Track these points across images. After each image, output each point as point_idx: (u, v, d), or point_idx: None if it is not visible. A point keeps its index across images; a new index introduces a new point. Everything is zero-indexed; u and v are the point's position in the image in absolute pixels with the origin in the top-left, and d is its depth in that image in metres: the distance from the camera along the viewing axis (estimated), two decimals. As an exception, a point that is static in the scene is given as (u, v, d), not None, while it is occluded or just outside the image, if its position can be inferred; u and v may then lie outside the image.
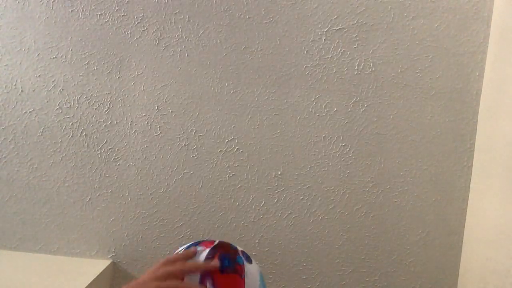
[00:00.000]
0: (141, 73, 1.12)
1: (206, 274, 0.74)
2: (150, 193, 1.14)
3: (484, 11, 1.10)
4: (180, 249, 0.82)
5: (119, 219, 1.14)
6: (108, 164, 1.14)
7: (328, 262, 1.14)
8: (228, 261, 0.76)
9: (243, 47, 1.12)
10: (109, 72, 1.13)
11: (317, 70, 1.12)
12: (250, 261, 0.79)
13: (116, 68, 1.12)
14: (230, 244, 0.82)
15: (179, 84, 1.13)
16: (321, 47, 1.11)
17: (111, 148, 1.14)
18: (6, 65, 1.12)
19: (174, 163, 1.13)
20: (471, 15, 1.10)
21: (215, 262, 0.75)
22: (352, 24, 1.11)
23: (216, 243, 0.81)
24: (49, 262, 1.10)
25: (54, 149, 1.14)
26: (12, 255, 1.13)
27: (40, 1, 1.12)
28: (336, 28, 1.11)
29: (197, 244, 0.81)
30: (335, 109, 1.12)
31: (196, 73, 1.12)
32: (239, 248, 0.82)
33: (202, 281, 0.74)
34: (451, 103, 1.11)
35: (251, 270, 0.78)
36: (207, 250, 0.77)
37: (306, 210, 1.14)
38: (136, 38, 1.12)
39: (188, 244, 0.82)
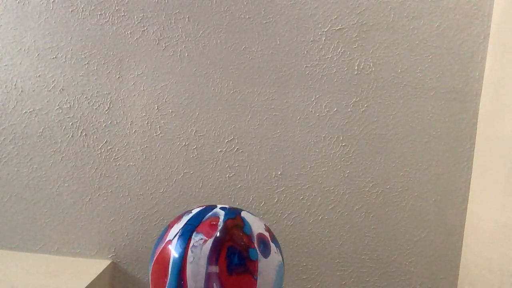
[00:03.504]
0: (141, 73, 1.13)
1: (211, 277, 0.60)
2: (150, 193, 1.14)
3: (484, 11, 1.10)
4: (174, 233, 0.66)
5: (119, 219, 1.14)
6: (108, 164, 1.14)
7: (328, 262, 1.14)
8: (238, 258, 0.61)
9: (243, 47, 1.12)
10: (109, 72, 1.13)
11: (317, 70, 1.12)
12: (267, 254, 0.63)
13: (116, 68, 1.12)
14: (242, 227, 0.63)
15: (179, 84, 1.13)
16: (321, 47, 1.11)
17: (111, 148, 1.14)
18: (6, 65, 1.12)
19: (174, 163, 1.13)
20: (471, 15, 1.10)
21: (221, 262, 0.59)
22: (352, 24, 1.11)
23: (221, 226, 0.62)
24: (49, 262, 1.10)
25: (54, 149, 1.14)
26: (12, 255, 1.13)
27: (40, 1, 1.12)
28: (336, 28, 1.11)
29: (193, 228, 0.63)
30: (335, 109, 1.12)
31: (196, 73, 1.12)
32: (256, 231, 0.63)
33: (207, 286, 0.60)
34: (451, 103, 1.11)
35: (267, 267, 0.63)
36: (210, 242, 0.61)
37: (306, 210, 1.14)
38: (136, 38, 1.12)
39: (182, 228, 0.65)
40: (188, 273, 0.62)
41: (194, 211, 0.71)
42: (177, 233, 0.66)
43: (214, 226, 0.62)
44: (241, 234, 0.62)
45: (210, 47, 1.12)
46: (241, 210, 0.73)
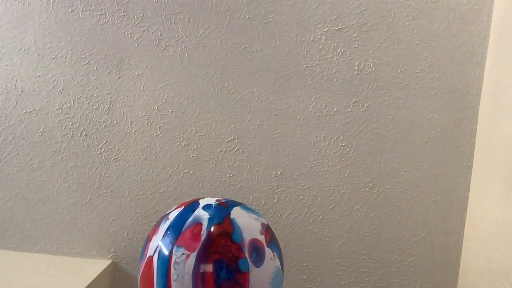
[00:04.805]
0: (141, 73, 1.12)
1: None
2: (150, 193, 1.14)
3: (484, 11, 1.10)
4: (154, 248, 0.59)
5: (119, 219, 1.14)
6: (108, 164, 1.14)
7: (328, 262, 1.14)
8: (226, 272, 0.53)
9: (243, 47, 1.12)
10: (109, 72, 1.13)
11: (317, 70, 1.12)
12: (260, 262, 0.56)
13: (116, 68, 1.12)
14: (231, 234, 0.54)
15: (179, 84, 1.13)
16: (321, 47, 1.11)
17: (111, 148, 1.14)
18: (6, 65, 1.12)
19: (174, 163, 1.13)
20: (471, 15, 1.10)
21: (208, 277, 0.51)
22: (352, 24, 1.11)
23: (204, 236, 0.53)
24: (49, 262, 1.10)
25: (54, 149, 1.14)
26: (12, 255, 1.13)
27: (40, 1, 1.11)
28: (336, 28, 1.11)
29: (173, 240, 0.55)
30: (335, 109, 1.12)
31: (196, 73, 1.12)
32: (248, 237, 0.55)
33: None
34: (451, 103, 1.11)
35: (260, 277, 0.55)
36: (193, 256, 0.53)
37: (306, 210, 1.14)
38: (136, 38, 1.12)
39: (161, 241, 0.57)
40: None
41: (172, 216, 0.61)
42: (156, 248, 0.59)
43: (196, 237, 0.53)
44: (229, 243, 0.53)
45: (210, 47, 1.12)
46: (232, 206, 0.62)
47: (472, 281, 1.06)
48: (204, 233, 0.54)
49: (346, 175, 1.13)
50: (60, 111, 1.13)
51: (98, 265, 1.10)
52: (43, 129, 1.13)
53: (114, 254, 1.15)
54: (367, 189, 1.13)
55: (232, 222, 0.57)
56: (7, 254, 1.13)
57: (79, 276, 1.03)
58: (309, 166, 1.13)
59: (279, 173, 1.13)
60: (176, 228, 0.57)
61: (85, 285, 0.98)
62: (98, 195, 1.14)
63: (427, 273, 1.14)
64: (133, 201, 1.14)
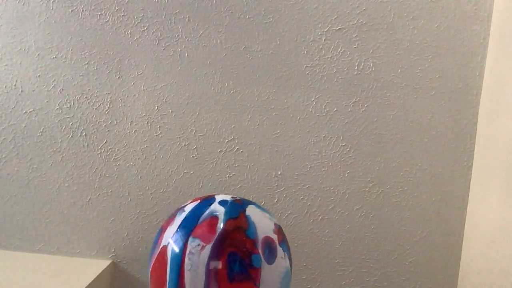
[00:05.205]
0: (141, 73, 1.13)
1: (210, 282, 0.56)
2: (150, 193, 1.14)
3: (484, 11, 1.10)
4: (169, 238, 0.61)
5: (119, 219, 1.14)
6: (108, 164, 1.14)
7: (328, 262, 1.14)
8: (239, 265, 0.55)
9: (243, 47, 1.12)
10: (109, 72, 1.13)
11: (317, 70, 1.12)
12: (272, 260, 0.57)
13: (116, 68, 1.12)
14: (246, 230, 0.56)
15: (179, 84, 1.13)
16: (321, 47, 1.11)
17: (111, 148, 1.14)
18: (6, 65, 1.12)
19: (174, 163, 1.13)
20: (471, 15, 1.10)
21: (221, 267, 0.54)
22: (352, 24, 1.11)
23: (220, 229, 0.55)
24: (49, 262, 1.10)
25: (54, 149, 1.14)
26: (12, 255, 1.13)
27: (40, 1, 1.12)
28: (336, 28, 1.11)
29: (189, 231, 0.56)
30: (335, 109, 1.12)
31: (196, 73, 1.12)
32: (262, 235, 0.56)
33: None
34: (451, 103, 1.11)
35: (271, 274, 0.57)
36: (208, 248, 0.55)
37: (306, 210, 1.14)
38: (136, 38, 1.12)
39: (176, 232, 0.59)
40: (187, 281, 0.58)
41: (188, 209, 0.64)
42: (172, 238, 0.61)
43: (212, 229, 0.56)
44: (244, 238, 0.56)
45: (210, 47, 1.12)
46: (247, 204, 0.64)
47: (472, 281, 1.06)
48: (220, 226, 0.56)
49: (346, 175, 1.13)
50: (60, 111, 1.13)
51: (98, 265, 1.10)
52: (43, 129, 1.13)
53: (114, 254, 1.15)
54: (367, 189, 1.13)
55: (247, 218, 0.59)
56: (7, 254, 1.13)
57: (79, 276, 1.03)
58: (309, 166, 1.13)
59: (279, 173, 1.13)
60: (192, 220, 0.59)
61: (85, 285, 0.98)
62: (98, 195, 1.14)
63: (427, 273, 1.14)
64: (133, 201, 1.14)
